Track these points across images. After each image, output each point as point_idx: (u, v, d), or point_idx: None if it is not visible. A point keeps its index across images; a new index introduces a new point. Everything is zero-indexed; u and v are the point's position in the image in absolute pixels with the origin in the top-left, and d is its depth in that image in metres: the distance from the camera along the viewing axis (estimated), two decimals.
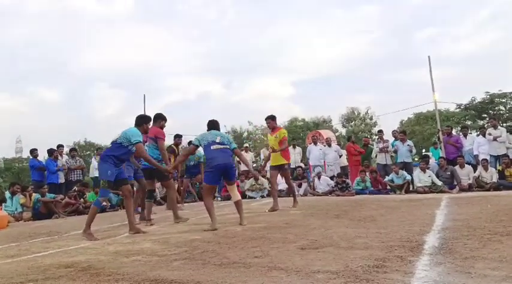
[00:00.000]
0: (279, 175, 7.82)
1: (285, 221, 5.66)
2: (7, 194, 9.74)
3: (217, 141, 5.56)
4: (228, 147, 5.63)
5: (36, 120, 76.50)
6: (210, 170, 5.50)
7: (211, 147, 5.51)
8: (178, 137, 9.96)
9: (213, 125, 5.87)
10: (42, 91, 79.71)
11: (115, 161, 5.21)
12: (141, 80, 71.86)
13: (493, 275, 2.46)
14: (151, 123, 6.06)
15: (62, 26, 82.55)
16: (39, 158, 12.01)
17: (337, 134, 31.57)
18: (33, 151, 11.47)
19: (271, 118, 7.62)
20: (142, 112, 16.20)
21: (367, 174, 11.43)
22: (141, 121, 5.71)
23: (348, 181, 11.53)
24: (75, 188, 10.65)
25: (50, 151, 11.32)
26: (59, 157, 11.43)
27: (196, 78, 76.44)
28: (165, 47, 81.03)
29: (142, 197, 6.97)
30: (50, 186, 10.45)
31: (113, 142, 5.34)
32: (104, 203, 10.44)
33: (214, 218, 5.39)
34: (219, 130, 5.88)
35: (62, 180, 11.16)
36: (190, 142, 6.57)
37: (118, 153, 5.24)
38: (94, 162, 12.29)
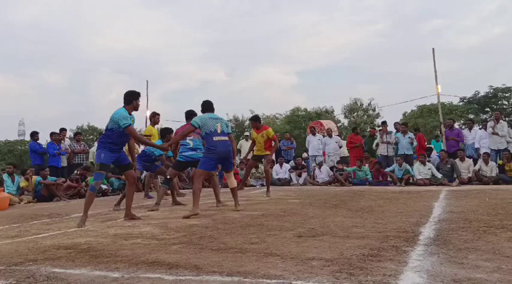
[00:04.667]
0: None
1: (283, 209, 5.71)
2: (5, 176, 9.75)
3: (219, 131, 5.68)
4: (227, 138, 5.76)
5: (39, 103, 76.78)
6: (210, 158, 5.64)
7: (214, 138, 5.63)
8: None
9: (209, 106, 5.91)
10: (46, 74, 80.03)
11: (110, 146, 5.08)
12: (144, 66, 71.96)
13: (484, 266, 2.50)
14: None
15: (66, 9, 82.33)
16: (41, 141, 12.00)
17: (339, 125, 31.45)
18: (34, 135, 11.24)
19: (253, 120, 8.22)
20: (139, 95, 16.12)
21: (367, 165, 11.45)
22: (131, 98, 5.27)
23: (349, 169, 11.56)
24: (77, 171, 10.69)
25: (51, 134, 11.32)
26: (62, 141, 11.43)
27: (199, 65, 76.61)
28: (168, 34, 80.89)
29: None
30: (51, 169, 10.44)
31: (106, 129, 5.22)
32: (106, 187, 10.55)
33: (197, 204, 5.40)
34: (214, 111, 5.91)
35: (64, 163, 11.18)
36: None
37: (111, 138, 5.10)
38: (95, 147, 12.31)
